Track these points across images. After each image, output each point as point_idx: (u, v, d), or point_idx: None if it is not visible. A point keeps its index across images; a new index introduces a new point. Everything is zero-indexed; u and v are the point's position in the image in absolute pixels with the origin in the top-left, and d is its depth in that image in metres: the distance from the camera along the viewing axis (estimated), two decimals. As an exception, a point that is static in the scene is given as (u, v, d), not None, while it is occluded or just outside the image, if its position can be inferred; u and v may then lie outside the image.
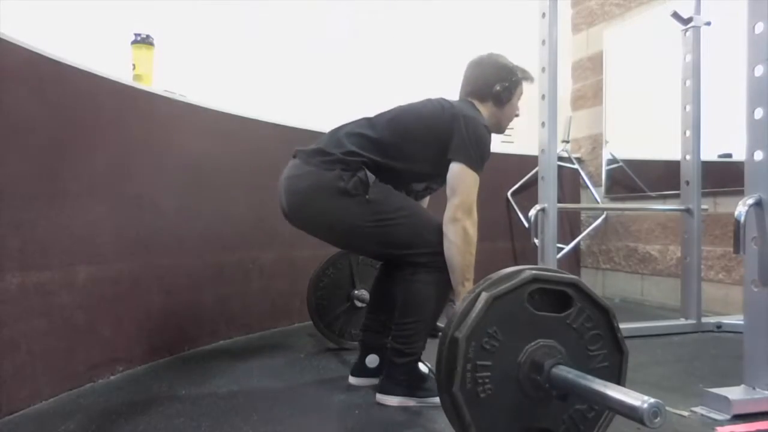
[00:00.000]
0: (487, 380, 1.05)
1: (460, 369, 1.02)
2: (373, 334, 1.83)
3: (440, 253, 1.61)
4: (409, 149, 1.68)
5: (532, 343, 1.07)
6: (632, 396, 0.91)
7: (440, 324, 1.65)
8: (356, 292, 2.31)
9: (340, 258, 2.31)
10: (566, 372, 1.04)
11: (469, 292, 1.10)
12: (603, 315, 1.13)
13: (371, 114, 1.77)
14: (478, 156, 1.64)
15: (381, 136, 1.67)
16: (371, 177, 1.62)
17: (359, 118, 1.76)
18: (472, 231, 1.61)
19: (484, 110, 1.80)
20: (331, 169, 1.61)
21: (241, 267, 2.54)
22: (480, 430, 1.03)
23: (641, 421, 0.87)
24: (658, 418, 0.87)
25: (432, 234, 1.63)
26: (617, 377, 1.15)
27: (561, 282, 1.11)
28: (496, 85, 1.79)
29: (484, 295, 1.05)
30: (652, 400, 0.88)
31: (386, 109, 1.77)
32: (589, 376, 1.03)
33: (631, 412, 0.89)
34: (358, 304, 2.31)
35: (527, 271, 1.09)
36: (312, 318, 2.31)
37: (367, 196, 1.59)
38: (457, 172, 1.63)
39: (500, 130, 1.88)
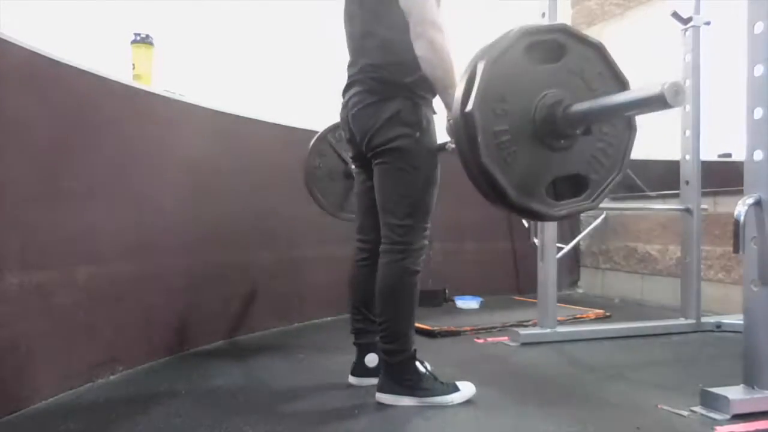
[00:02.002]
0: (508, 144, 1.05)
1: (482, 139, 1.02)
2: (364, 335, 1.83)
3: (415, 232, 1.63)
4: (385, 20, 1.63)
5: (540, 96, 1.08)
6: (649, 87, 0.93)
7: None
8: (352, 166, 2.32)
9: (320, 145, 2.32)
10: (580, 105, 1.06)
11: (467, 65, 1.09)
12: (597, 52, 1.14)
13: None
14: None
15: (367, 41, 1.66)
16: (428, 117, 1.63)
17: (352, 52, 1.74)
18: (440, 39, 1.52)
19: None
20: (393, 96, 1.61)
21: (240, 267, 2.54)
22: (514, 190, 1.04)
23: (666, 103, 0.90)
24: (680, 95, 0.90)
25: (420, 216, 1.64)
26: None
27: (550, 30, 1.11)
28: None
29: (481, 63, 1.04)
30: (668, 81, 0.90)
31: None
32: (602, 97, 1.05)
33: (656, 101, 0.92)
34: None
35: (514, 29, 1.09)
36: (321, 205, 2.32)
37: (417, 134, 1.61)
38: None
39: None
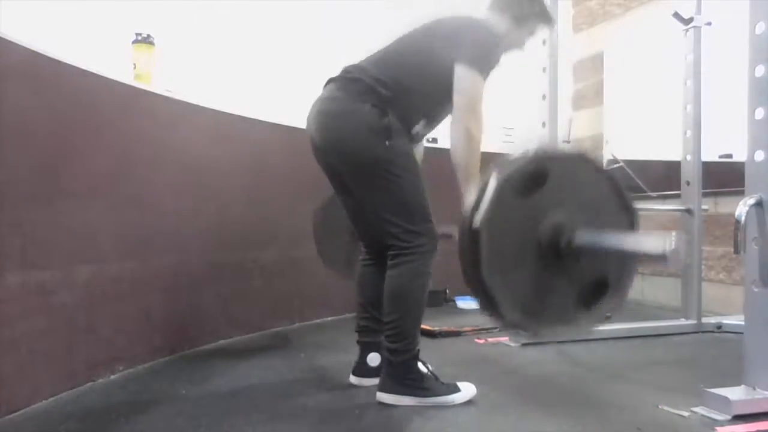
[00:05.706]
0: (513, 263, 1.08)
1: (486, 255, 1.03)
2: (369, 334, 1.83)
3: (423, 235, 1.62)
4: (424, 67, 1.67)
5: (547, 216, 1.10)
6: (654, 243, 0.97)
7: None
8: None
9: (330, 204, 2.30)
10: (584, 237, 1.08)
11: (482, 180, 1.11)
12: (578, 161, 1.17)
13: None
14: (483, 58, 1.63)
15: (395, 58, 1.70)
16: (396, 124, 1.61)
17: (369, 55, 1.76)
18: (476, 131, 1.58)
19: (501, 22, 1.79)
20: (364, 101, 1.61)
21: (241, 266, 2.54)
22: (513, 309, 1.07)
23: (666, 262, 0.95)
24: (680, 257, 0.95)
25: (422, 218, 1.64)
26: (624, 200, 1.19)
27: (570, 157, 1.15)
28: (520, 3, 1.80)
29: (494, 179, 1.07)
30: (670, 244, 0.93)
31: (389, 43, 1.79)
32: (605, 235, 1.07)
33: (657, 257, 0.97)
34: None
35: (532, 151, 1.11)
36: (324, 259, 2.30)
37: (387, 142, 1.59)
38: (460, 74, 1.60)
39: (506, 47, 1.83)
